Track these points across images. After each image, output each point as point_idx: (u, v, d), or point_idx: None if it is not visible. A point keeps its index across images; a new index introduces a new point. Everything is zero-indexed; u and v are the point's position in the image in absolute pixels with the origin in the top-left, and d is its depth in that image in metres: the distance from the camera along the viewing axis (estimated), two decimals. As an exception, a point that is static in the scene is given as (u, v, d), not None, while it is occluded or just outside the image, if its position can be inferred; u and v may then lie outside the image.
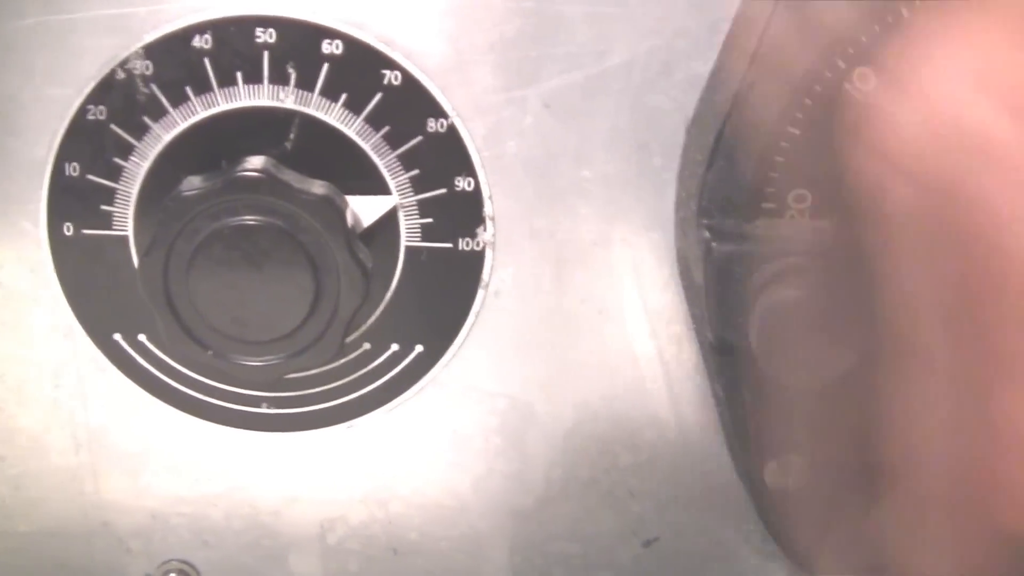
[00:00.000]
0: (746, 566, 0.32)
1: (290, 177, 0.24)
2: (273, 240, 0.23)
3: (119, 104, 0.26)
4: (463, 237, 0.27)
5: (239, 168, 0.24)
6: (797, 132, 0.24)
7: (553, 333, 0.29)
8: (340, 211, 0.24)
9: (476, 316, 0.28)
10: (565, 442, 0.30)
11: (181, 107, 0.26)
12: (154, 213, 0.25)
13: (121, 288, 0.27)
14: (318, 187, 0.25)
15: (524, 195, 0.27)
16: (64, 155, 0.26)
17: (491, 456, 0.30)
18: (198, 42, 0.26)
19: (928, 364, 0.18)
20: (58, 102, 0.26)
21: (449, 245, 0.27)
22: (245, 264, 0.23)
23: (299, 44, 0.26)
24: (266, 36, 0.26)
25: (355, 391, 0.29)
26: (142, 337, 0.28)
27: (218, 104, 0.26)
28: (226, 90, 0.26)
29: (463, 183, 0.27)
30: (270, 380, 0.26)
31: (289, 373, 0.25)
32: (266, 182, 0.23)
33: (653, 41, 0.25)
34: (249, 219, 0.23)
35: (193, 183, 0.24)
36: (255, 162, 0.25)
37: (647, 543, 0.31)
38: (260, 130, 0.26)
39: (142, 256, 0.24)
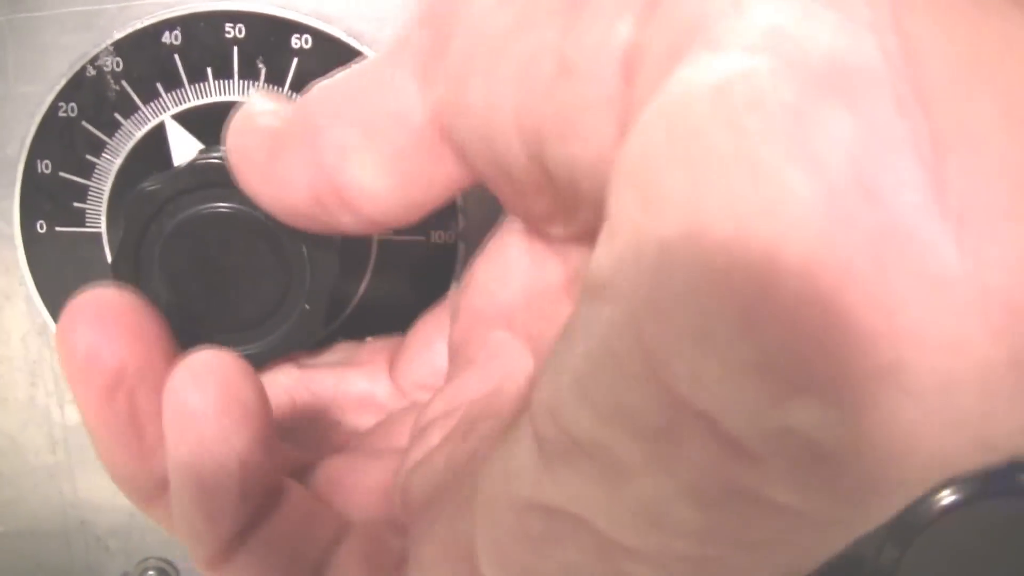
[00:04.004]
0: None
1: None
2: (238, 225, 0.23)
3: (90, 101, 0.26)
4: (436, 230, 0.27)
5: (191, 160, 0.24)
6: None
7: (528, 325, 0.29)
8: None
9: (450, 308, 0.28)
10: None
11: (152, 103, 0.26)
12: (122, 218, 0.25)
13: (95, 285, 0.27)
14: None
15: (496, 187, 0.27)
16: (36, 153, 0.26)
17: (468, 449, 0.30)
18: (168, 38, 0.26)
19: None
20: (29, 99, 0.26)
21: (422, 238, 0.27)
22: (214, 253, 0.23)
23: (268, 39, 0.26)
24: (235, 31, 0.26)
25: (331, 386, 0.29)
26: (116, 334, 0.28)
27: (188, 100, 0.26)
28: (196, 86, 0.26)
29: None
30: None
31: (269, 361, 0.25)
32: (216, 168, 0.23)
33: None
34: (212, 207, 0.23)
35: (152, 180, 0.24)
36: (205, 152, 0.25)
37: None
38: (231, 125, 0.26)
39: (113, 259, 0.24)
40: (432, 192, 0.19)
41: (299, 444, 0.24)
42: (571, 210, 0.18)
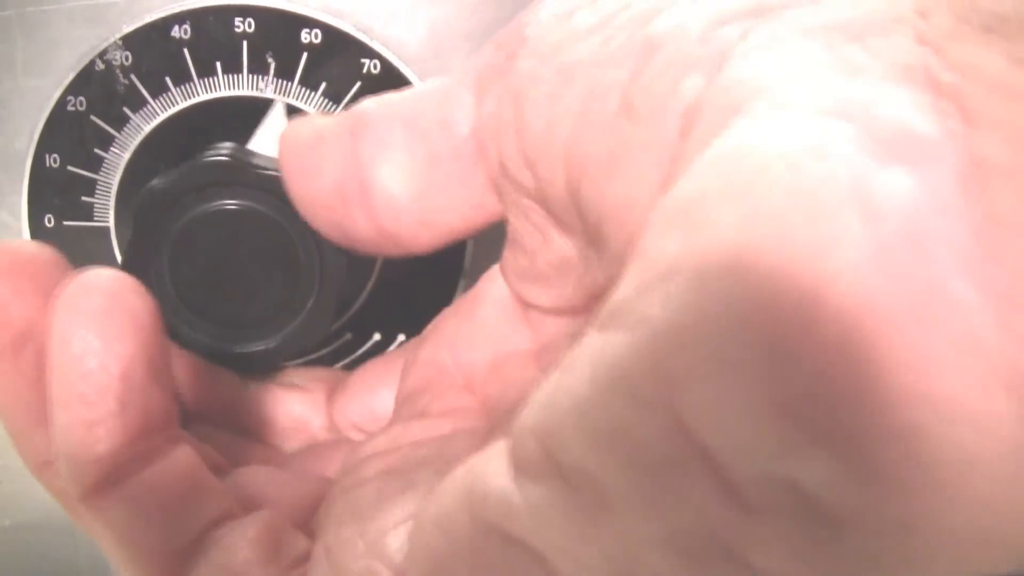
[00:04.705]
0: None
1: (258, 159, 0.24)
2: (247, 222, 0.23)
3: (99, 95, 0.26)
4: (444, 226, 0.27)
5: (203, 154, 0.24)
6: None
7: (535, 322, 0.29)
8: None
9: (458, 305, 0.28)
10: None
11: (161, 97, 0.26)
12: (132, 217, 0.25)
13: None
14: None
15: (504, 183, 0.27)
16: (44, 146, 0.26)
17: (475, 446, 0.30)
18: (177, 32, 0.26)
19: None
20: (38, 93, 0.26)
21: (430, 234, 0.27)
22: (222, 251, 0.23)
23: (278, 33, 0.26)
24: (245, 25, 0.26)
25: (338, 382, 0.29)
26: (124, 328, 0.28)
27: (198, 94, 0.26)
28: (205, 80, 0.26)
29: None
30: (257, 368, 0.26)
31: (279, 358, 0.25)
32: (229, 165, 0.23)
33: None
34: (222, 204, 0.23)
35: (160, 179, 0.24)
36: (222, 147, 0.25)
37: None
38: (240, 120, 0.26)
39: (124, 256, 0.24)
40: (451, 211, 0.19)
41: (227, 455, 0.24)
42: (581, 261, 0.18)
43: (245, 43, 0.26)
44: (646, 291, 0.12)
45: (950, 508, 0.11)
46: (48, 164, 0.27)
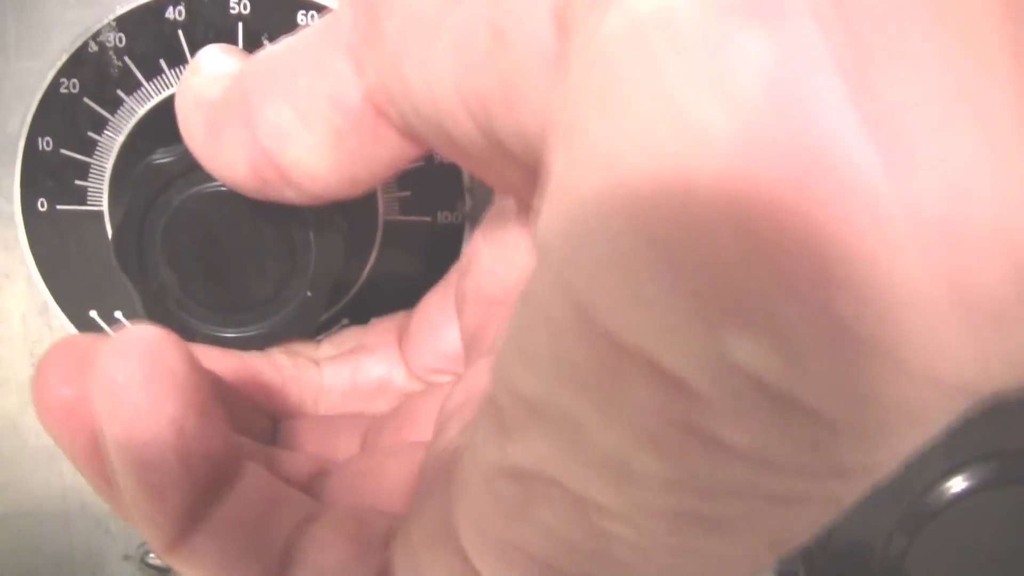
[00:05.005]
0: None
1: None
2: (245, 205, 0.22)
3: (92, 77, 0.26)
4: (442, 210, 0.27)
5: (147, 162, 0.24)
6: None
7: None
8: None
9: (456, 291, 0.27)
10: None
11: (155, 80, 0.26)
12: (129, 187, 0.24)
13: (96, 264, 0.27)
14: None
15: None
16: (37, 130, 0.26)
17: (473, 434, 0.30)
18: (171, 14, 0.25)
19: None
20: (30, 76, 0.26)
21: (428, 219, 0.27)
22: (218, 232, 0.23)
23: (273, 15, 0.25)
24: (240, 7, 0.25)
25: (335, 369, 0.28)
26: (118, 314, 0.28)
27: (192, 76, 0.26)
28: (200, 62, 0.25)
29: (441, 155, 0.26)
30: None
31: (270, 344, 0.25)
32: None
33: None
34: (214, 187, 0.23)
35: (164, 152, 0.23)
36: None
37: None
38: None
39: (115, 229, 0.24)
40: (375, 168, 0.19)
41: (319, 439, 0.24)
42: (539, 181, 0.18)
43: (240, 25, 0.25)
44: (550, 217, 0.12)
45: (879, 371, 0.11)
46: (41, 147, 0.26)
